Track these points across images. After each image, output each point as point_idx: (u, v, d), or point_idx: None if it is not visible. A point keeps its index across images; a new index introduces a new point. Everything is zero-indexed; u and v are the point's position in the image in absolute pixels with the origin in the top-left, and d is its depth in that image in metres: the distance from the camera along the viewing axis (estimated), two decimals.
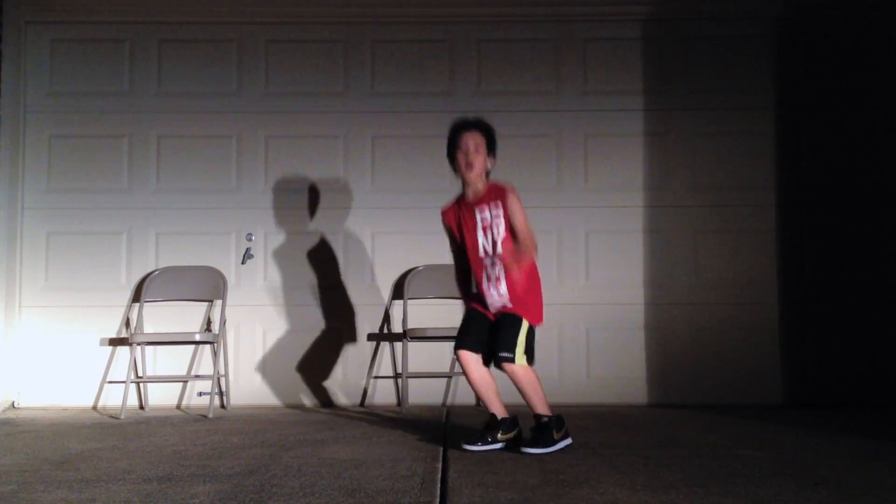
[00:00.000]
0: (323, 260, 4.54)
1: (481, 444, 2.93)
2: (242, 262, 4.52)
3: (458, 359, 3.07)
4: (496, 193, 3.07)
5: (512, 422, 3.03)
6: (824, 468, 2.61)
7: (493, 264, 3.03)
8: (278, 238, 4.55)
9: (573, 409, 4.27)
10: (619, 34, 4.64)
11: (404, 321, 4.38)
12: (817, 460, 2.76)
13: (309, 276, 4.53)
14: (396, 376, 4.45)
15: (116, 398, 4.31)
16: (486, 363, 3.06)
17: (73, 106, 4.58)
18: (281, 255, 4.55)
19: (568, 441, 2.95)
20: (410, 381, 4.37)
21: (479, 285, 3.07)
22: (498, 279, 3.02)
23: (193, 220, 4.54)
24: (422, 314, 4.43)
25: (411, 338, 4.33)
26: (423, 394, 4.44)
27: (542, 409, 2.98)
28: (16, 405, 4.42)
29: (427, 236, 4.29)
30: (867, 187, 4.54)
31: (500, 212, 3.04)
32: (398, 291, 4.49)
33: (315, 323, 4.50)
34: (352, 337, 4.51)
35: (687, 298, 4.52)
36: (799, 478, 2.43)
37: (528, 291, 3.05)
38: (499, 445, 2.96)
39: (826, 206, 4.55)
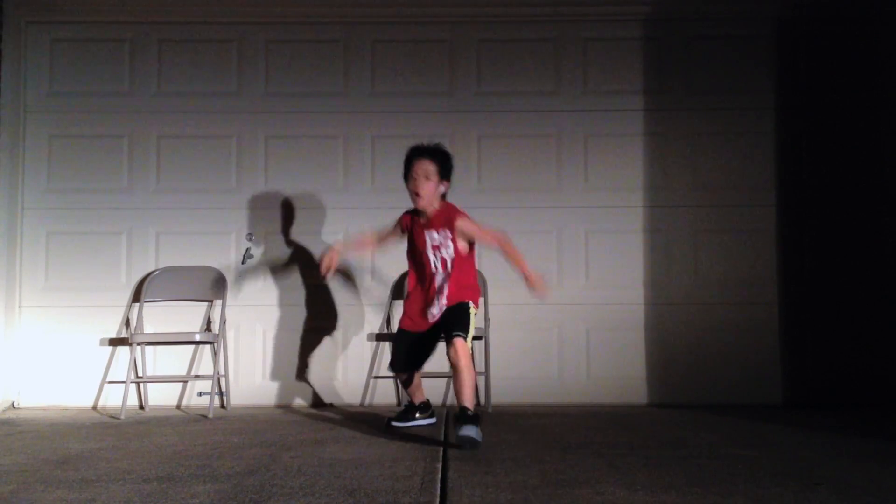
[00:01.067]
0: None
1: (407, 422, 3.47)
2: (242, 262, 4.52)
3: (395, 375, 3.63)
4: (445, 220, 3.27)
5: (427, 404, 3.58)
6: (824, 468, 2.61)
7: (444, 278, 3.26)
8: (278, 238, 4.55)
9: (573, 409, 4.28)
10: (619, 34, 4.64)
11: None
12: (817, 460, 2.76)
13: (309, 277, 4.53)
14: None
15: (116, 398, 4.31)
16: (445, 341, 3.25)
17: (73, 106, 4.59)
18: (281, 255, 4.55)
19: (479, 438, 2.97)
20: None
21: (421, 296, 3.32)
22: (441, 291, 3.26)
23: (193, 220, 4.54)
24: None
25: None
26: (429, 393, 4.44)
27: (469, 401, 3.04)
28: (16, 405, 4.42)
29: None
30: (867, 187, 4.54)
31: (449, 236, 3.26)
32: (398, 291, 4.49)
33: (315, 323, 4.50)
34: (352, 337, 4.52)
35: (687, 298, 4.52)
36: (799, 478, 2.43)
37: (464, 285, 3.29)
38: (423, 422, 3.50)
39: (826, 205, 4.55)
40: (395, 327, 4.48)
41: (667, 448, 3.01)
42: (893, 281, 4.48)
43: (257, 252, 4.54)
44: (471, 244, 3.33)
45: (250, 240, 4.54)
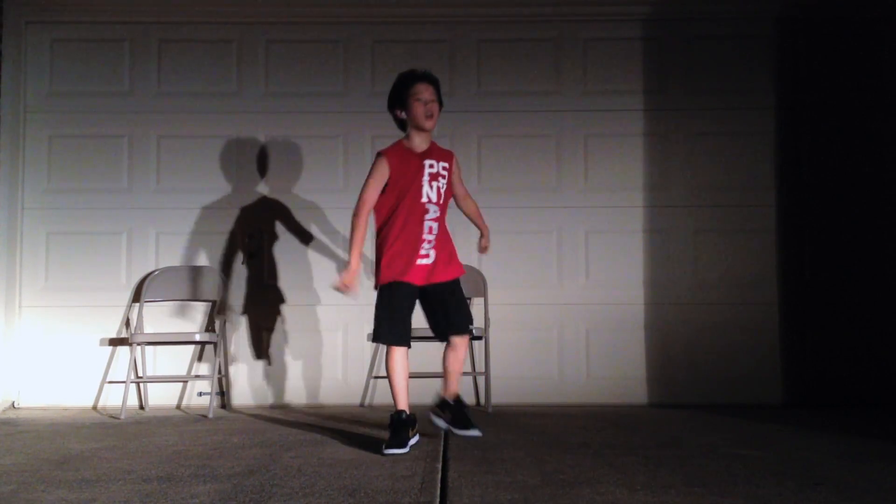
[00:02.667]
0: (323, 260, 4.54)
1: (405, 447, 2.90)
2: (242, 262, 4.52)
3: (394, 353, 3.01)
4: (444, 153, 3.16)
5: (413, 416, 3.04)
6: (824, 468, 2.61)
7: (435, 216, 3.02)
8: (278, 238, 4.55)
9: (573, 409, 4.28)
10: (619, 34, 4.65)
11: None
12: (817, 460, 2.76)
13: (309, 276, 4.53)
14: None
15: (116, 398, 4.31)
16: (443, 336, 3.08)
17: (73, 106, 4.59)
18: (281, 255, 4.55)
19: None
20: (411, 381, 4.35)
21: (413, 236, 2.99)
22: (431, 230, 3.01)
23: (193, 220, 4.54)
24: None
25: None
26: (424, 394, 4.43)
27: (457, 387, 3.04)
28: (16, 405, 4.42)
29: None
30: (867, 187, 4.54)
31: (446, 167, 3.10)
32: None
33: (315, 323, 4.50)
34: (352, 337, 4.52)
35: (687, 298, 4.52)
36: (799, 478, 2.43)
37: (453, 250, 3.14)
38: (414, 441, 2.98)
39: (826, 206, 4.55)
40: None
41: (667, 448, 3.01)
42: (893, 281, 4.48)
43: (257, 252, 4.54)
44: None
45: (250, 240, 4.54)
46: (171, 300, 4.46)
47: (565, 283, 4.55)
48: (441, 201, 3.06)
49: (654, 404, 4.45)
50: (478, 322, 4.39)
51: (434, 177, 3.05)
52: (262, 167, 4.59)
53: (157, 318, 4.45)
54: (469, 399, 4.43)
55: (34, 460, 2.80)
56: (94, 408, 4.41)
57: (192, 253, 4.53)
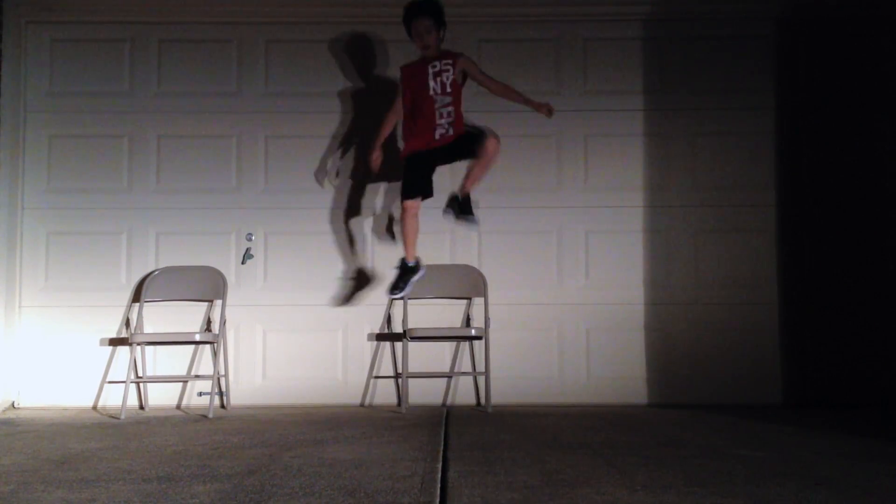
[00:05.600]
0: (323, 260, 4.54)
1: (407, 289, 4.00)
2: (242, 262, 4.52)
3: (410, 206, 3.93)
4: (446, 53, 3.97)
5: (418, 262, 4.05)
6: (824, 468, 2.61)
7: (444, 104, 3.88)
8: (278, 238, 4.55)
9: (573, 409, 4.28)
10: (619, 34, 4.64)
11: (404, 321, 4.38)
12: (817, 460, 2.76)
13: (309, 276, 4.53)
14: (396, 376, 4.45)
15: (116, 398, 4.32)
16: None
17: (73, 106, 4.58)
18: (281, 255, 4.55)
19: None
20: (410, 381, 4.37)
21: (426, 120, 3.88)
22: (446, 114, 3.88)
23: (193, 220, 4.54)
24: (422, 314, 4.44)
25: (411, 338, 4.33)
26: (423, 394, 4.45)
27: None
28: (16, 405, 4.42)
29: (428, 236, 4.29)
30: (867, 187, 4.54)
31: (450, 63, 3.91)
32: None
33: (315, 323, 4.50)
34: (352, 337, 4.52)
35: (687, 298, 4.53)
36: (799, 478, 2.43)
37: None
38: (418, 277, 4.02)
39: (826, 205, 4.55)
40: (395, 328, 4.50)
41: (667, 448, 3.01)
42: (893, 281, 4.48)
43: (257, 252, 4.54)
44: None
45: (250, 240, 4.54)
46: (171, 300, 4.46)
47: (565, 283, 4.55)
48: (448, 90, 3.90)
49: (654, 404, 4.45)
50: (478, 322, 4.40)
51: (437, 74, 3.89)
52: (262, 167, 4.59)
53: (157, 318, 4.45)
54: (469, 399, 4.44)
55: (34, 460, 2.80)
56: (94, 408, 4.41)
57: (192, 253, 4.52)
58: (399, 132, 4.17)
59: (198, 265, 4.50)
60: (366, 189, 4.57)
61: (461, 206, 3.95)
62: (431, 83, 3.89)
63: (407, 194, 3.92)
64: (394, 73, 4.65)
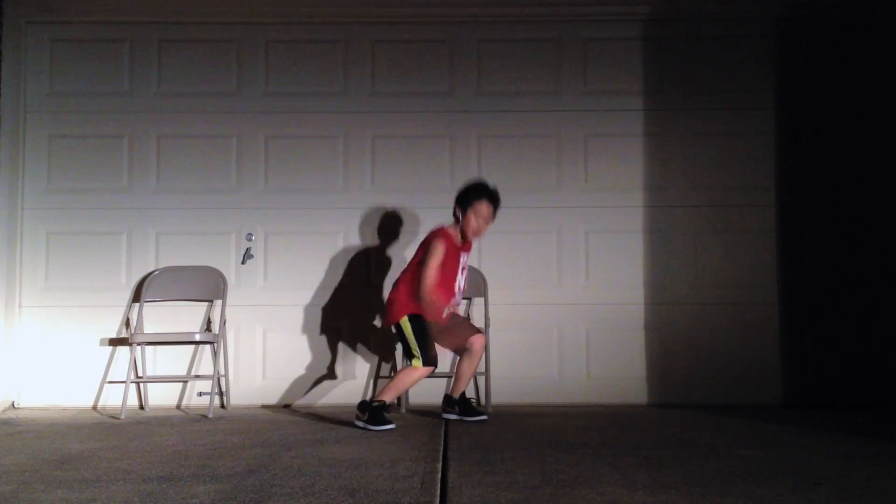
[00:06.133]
0: (323, 260, 4.54)
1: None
2: (242, 262, 4.52)
3: (426, 372, 3.67)
4: (469, 247, 3.84)
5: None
6: (824, 468, 2.61)
7: (458, 297, 3.80)
8: (278, 238, 4.56)
9: (573, 409, 4.28)
10: (619, 34, 4.64)
11: None
12: (817, 460, 2.76)
13: (309, 276, 4.53)
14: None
15: (116, 398, 4.32)
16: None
17: (73, 106, 4.59)
18: (281, 255, 4.55)
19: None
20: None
21: (446, 296, 3.69)
22: (453, 302, 3.76)
23: (193, 220, 4.54)
24: None
25: None
26: (424, 394, 4.44)
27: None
28: (16, 405, 4.42)
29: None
30: (867, 187, 4.54)
31: (466, 262, 3.83)
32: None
33: (315, 323, 4.51)
34: (352, 337, 4.52)
35: (687, 298, 4.53)
36: (799, 478, 2.43)
37: None
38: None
39: (826, 205, 4.55)
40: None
41: (667, 448, 3.01)
42: (893, 281, 4.48)
43: (257, 252, 4.54)
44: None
45: (250, 240, 4.54)
46: (171, 300, 4.46)
47: (565, 283, 4.55)
48: (461, 288, 3.81)
49: (654, 404, 4.45)
50: (478, 322, 4.40)
51: (463, 269, 3.79)
52: (262, 167, 4.59)
53: (157, 318, 4.45)
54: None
55: (34, 460, 2.80)
56: (94, 408, 4.41)
57: (192, 253, 4.52)
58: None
59: (198, 265, 4.50)
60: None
61: (463, 409, 3.80)
62: (459, 277, 3.77)
63: (428, 361, 3.63)
64: (393, 77, 4.65)
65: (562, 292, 4.52)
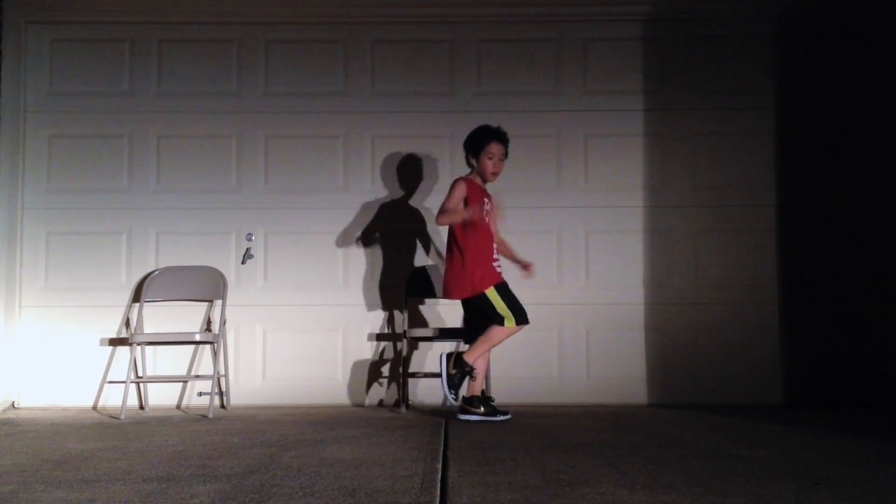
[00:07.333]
0: (323, 260, 4.54)
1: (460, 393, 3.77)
2: (242, 262, 4.52)
3: (515, 330, 3.70)
4: (488, 193, 3.86)
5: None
6: (824, 468, 2.61)
7: (492, 239, 3.80)
8: (278, 238, 4.56)
9: (573, 409, 4.28)
10: (619, 34, 4.65)
11: (405, 321, 4.38)
12: (817, 460, 2.76)
13: (309, 276, 4.53)
14: (396, 376, 4.45)
15: (116, 398, 4.32)
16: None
17: (73, 106, 4.59)
18: (281, 255, 4.55)
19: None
20: (410, 381, 4.37)
21: (489, 248, 3.77)
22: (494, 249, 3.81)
23: (193, 220, 4.55)
24: (423, 314, 4.44)
25: (411, 338, 4.33)
26: (423, 394, 4.45)
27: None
28: (16, 405, 4.42)
29: (428, 236, 4.30)
30: (867, 187, 4.54)
31: (490, 206, 3.82)
32: (396, 296, 4.48)
33: (315, 323, 4.51)
34: (352, 337, 4.52)
35: (687, 298, 4.53)
36: (799, 478, 2.43)
37: None
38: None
39: (826, 205, 4.55)
40: (395, 328, 4.49)
41: (667, 448, 3.01)
42: (893, 281, 4.48)
43: (257, 252, 4.54)
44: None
45: (250, 240, 4.54)
46: (171, 300, 4.47)
47: (565, 282, 4.55)
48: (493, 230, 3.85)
49: (654, 404, 4.45)
50: None
51: (488, 213, 3.79)
52: (262, 167, 4.59)
53: (157, 318, 4.45)
54: None
55: (34, 460, 2.80)
56: (94, 408, 4.41)
57: (192, 253, 4.52)
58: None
59: (198, 265, 4.50)
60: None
61: (489, 407, 3.78)
62: (487, 219, 3.77)
63: (522, 319, 3.69)
64: (393, 77, 4.66)
65: (562, 292, 4.52)
